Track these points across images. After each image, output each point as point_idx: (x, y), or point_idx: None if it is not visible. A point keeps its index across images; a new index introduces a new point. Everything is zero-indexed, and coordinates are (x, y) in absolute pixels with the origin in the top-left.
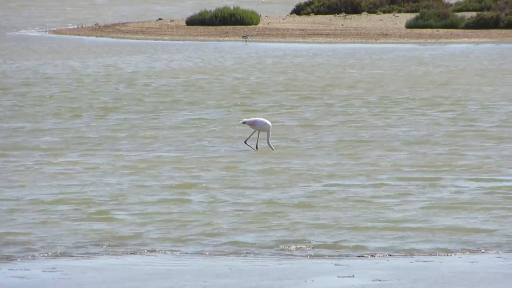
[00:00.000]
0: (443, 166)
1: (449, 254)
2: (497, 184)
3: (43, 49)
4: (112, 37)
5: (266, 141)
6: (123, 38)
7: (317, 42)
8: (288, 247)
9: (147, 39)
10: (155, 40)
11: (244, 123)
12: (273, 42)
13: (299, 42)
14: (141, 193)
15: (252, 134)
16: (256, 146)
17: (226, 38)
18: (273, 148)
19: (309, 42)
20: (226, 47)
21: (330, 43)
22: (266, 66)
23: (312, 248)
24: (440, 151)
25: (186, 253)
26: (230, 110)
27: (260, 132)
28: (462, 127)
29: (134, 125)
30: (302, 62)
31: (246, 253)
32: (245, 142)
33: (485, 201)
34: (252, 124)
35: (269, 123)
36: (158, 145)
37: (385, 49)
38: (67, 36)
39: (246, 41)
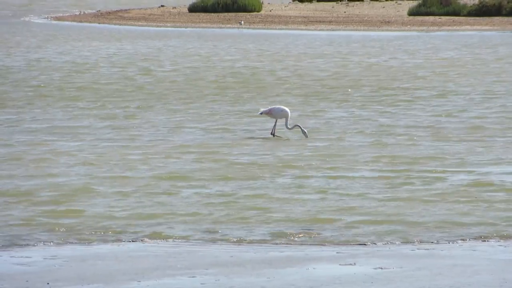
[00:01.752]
0: (438, 159)
1: (450, 242)
2: (494, 175)
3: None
4: (115, 24)
5: (285, 127)
6: (125, 24)
7: (320, 30)
8: (289, 235)
9: (149, 26)
10: (158, 27)
11: (261, 113)
12: (275, 29)
13: (301, 29)
14: (137, 181)
15: (275, 124)
16: (273, 133)
17: (228, 25)
18: (307, 134)
19: (311, 30)
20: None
21: (333, 30)
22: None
23: (314, 236)
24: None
25: (188, 240)
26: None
27: (278, 120)
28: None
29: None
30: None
31: (248, 241)
32: (272, 134)
33: (483, 192)
34: (269, 113)
35: (286, 109)
36: (143, 133)
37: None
38: (69, 23)
39: (239, 27)
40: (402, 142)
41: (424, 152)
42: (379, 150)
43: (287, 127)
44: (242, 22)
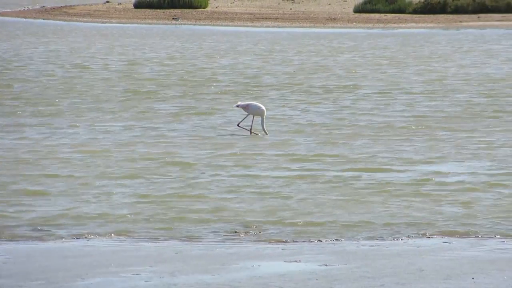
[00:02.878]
0: (370, 158)
1: (395, 239)
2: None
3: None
4: (59, 20)
5: (261, 125)
6: (70, 20)
7: (266, 26)
8: (235, 232)
9: (94, 22)
10: (103, 23)
11: (237, 106)
12: (222, 25)
13: (247, 26)
14: (94, 176)
15: (245, 118)
16: (250, 131)
17: (182, 22)
18: (267, 133)
19: (257, 26)
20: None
21: (279, 27)
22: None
23: (259, 233)
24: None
25: (133, 237)
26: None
27: (255, 116)
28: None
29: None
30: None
31: (193, 238)
32: (238, 125)
33: (426, 189)
34: (246, 107)
35: (263, 107)
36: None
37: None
38: (13, 18)
39: (176, 23)
40: (337, 140)
41: (363, 150)
42: (319, 148)
43: (263, 127)
44: (180, 18)
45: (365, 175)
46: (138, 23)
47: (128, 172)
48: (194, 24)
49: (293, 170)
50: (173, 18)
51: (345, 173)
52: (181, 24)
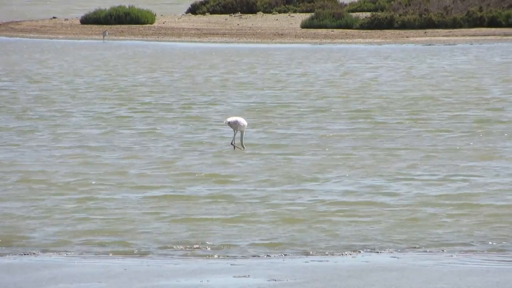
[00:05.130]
0: (320, 168)
1: (344, 254)
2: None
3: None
4: (5, 36)
5: (240, 140)
6: (16, 36)
7: (213, 42)
8: (184, 247)
9: (41, 37)
10: (50, 39)
11: (228, 123)
12: (169, 41)
13: (195, 42)
14: (38, 191)
15: (235, 135)
16: (233, 144)
17: (121, 37)
18: (244, 147)
19: (205, 42)
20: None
21: (226, 42)
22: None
23: (208, 248)
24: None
25: (81, 253)
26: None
27: (237, 131)
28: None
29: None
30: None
31: (141, 253)
32: (232, 144)
33: (373, 204)
34: (235, 123)
35: (245, 122)
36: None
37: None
38: None
39: (104, 39)
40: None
41: (307, 163)
42: (257, 165)
43: (242, 140)
44: (107, 32)
45: (310, 194)
46: (85, 39)
47: (72, 187)
48: (141, 40)
49: (230, 183)
50: (103, 33)
51: (286, 193)
52: (108, 39)
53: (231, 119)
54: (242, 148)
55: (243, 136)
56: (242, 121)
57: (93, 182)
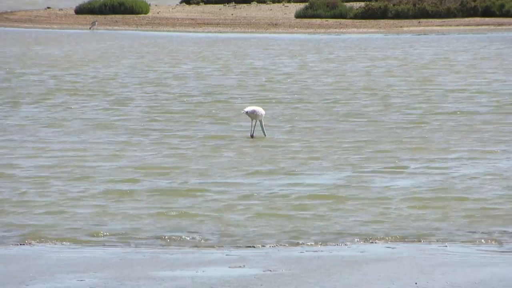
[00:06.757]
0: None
1: (339, 244)
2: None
3: None
4: (0, 26)
5: (260, 128)
6: (10, 26)
7: (208, 32)
8: (179, 237)
9: (36, 27)
10: (44, 29)
11: (246, 113)
12: (163, 31)
13: (189, 32)
14: (33, 181)
15: (254, 124)
16: (251, 135)
17: (115, 27)
18: (266, 135)
19: (199, 32)
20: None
21: (220, 32)
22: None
23: (204, 238)
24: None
25: (77, 243)
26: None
27: (257, 120)
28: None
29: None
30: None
31: (137, 244)
32: (251, 136)
33: (371, 194)
34: (253, 113)
35: (263, 111)
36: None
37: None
38: None
39: (92, 28)
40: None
41: (302, 154)
42: (260, 152)
43: (263, 128)
44: (96, 22)
45: (305, 182)
46: (79, 29)
47: (71, 177)
48: (136, 30)
49: (221, 177)
50: (91, 24)
51: (281, 183)
52: (97, 29)
53: (249, 108)
54: (264, 136)
55: (263, 124)
56: (260, 110)
57: (91, 171)
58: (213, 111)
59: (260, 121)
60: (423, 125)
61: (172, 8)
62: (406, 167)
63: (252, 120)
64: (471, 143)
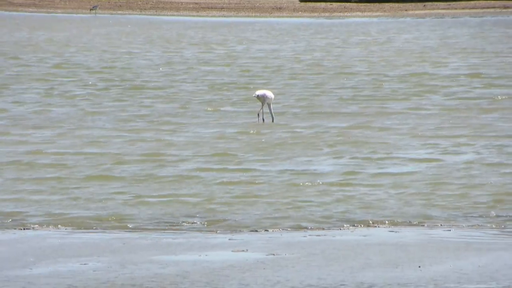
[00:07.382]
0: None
1: (341, 228)
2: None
3: None
4: (4, 10)
5: (269, 112)
6: (14, 11)
7: (212, 16)
8: (183, 221)
9: (39, 12)
10: (48, 13)
11: (257, 96)
12: (167, 15)
13: (193, 16)
14: (42, 168)
15: (263, 107)
16: (263, 118)
17: (119, 12)
18: (274, 119)
19: (203, 16)
20: None
21: (224, 16)
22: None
23: (207, 223)
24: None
25: (80, 228)
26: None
27: (265, 104)
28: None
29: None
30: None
31: (141, 228)
32: (262, 120)
33: (376, 178)
34: (263, 96)
35: (273, 95)
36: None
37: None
38: None
39: (95, 12)
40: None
41: (304, 139)
42: (274, 140)
43: (271, 111)
44: (97, 7)
45: (309, 169)
46: (83, 13)
47: (73, 164)
48: (139, 14)
49: (231, 163)
50: (91, 8)
51: (285, 168)
52: (99, 13)
53: (259, 92)
54: (272, 120)
55: (271, 108)
56: (270, 94)
57: (93, 157)
58: (234, 98)
59: (269, 105)
60: (416, 111)
61: None
62: (410, 153)
63: (262, 103)
64: (475, 130)
